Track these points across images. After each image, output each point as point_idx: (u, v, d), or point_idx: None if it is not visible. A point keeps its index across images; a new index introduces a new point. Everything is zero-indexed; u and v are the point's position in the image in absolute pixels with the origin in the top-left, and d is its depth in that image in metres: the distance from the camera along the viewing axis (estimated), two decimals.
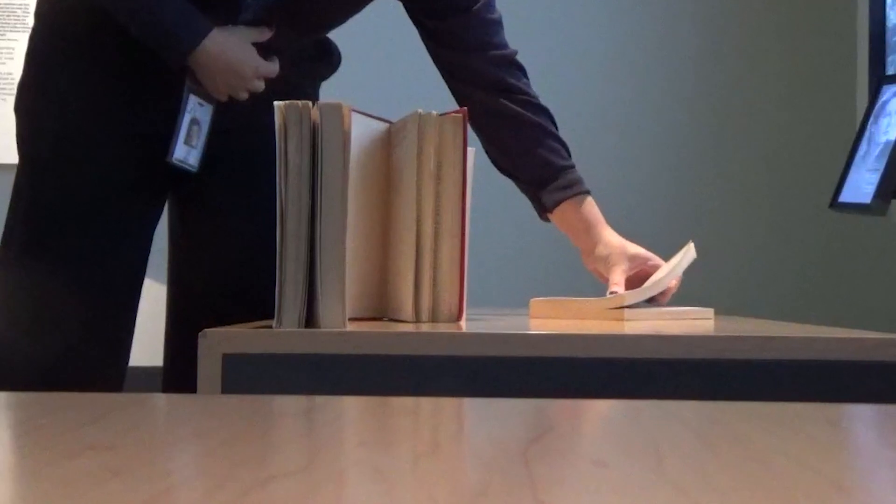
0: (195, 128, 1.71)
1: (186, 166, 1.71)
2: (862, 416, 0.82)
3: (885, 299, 3.35)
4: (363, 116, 1.49)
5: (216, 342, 1.23)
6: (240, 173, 1.80)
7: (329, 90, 2.95)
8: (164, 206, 1.83)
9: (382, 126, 1.54)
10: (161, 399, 0.80)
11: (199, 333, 1.23)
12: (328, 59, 1.92)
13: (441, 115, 1.47)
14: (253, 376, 1.22)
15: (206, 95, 1.71)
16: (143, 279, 1.79)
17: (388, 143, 1.54)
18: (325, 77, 1.94)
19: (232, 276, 1.79)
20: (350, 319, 1.33)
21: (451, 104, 1.53)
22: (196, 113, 1.71)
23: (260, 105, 1.76)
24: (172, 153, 1.70)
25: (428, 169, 1.45)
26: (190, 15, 1.65)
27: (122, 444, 0.60)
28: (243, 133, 1.77)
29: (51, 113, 1.74)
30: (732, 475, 0.53)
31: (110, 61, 1.73)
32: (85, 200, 1.72)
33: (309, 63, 1.87)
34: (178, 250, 1.84)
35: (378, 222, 1.52)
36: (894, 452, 0.63)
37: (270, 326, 1.30)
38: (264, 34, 1.71)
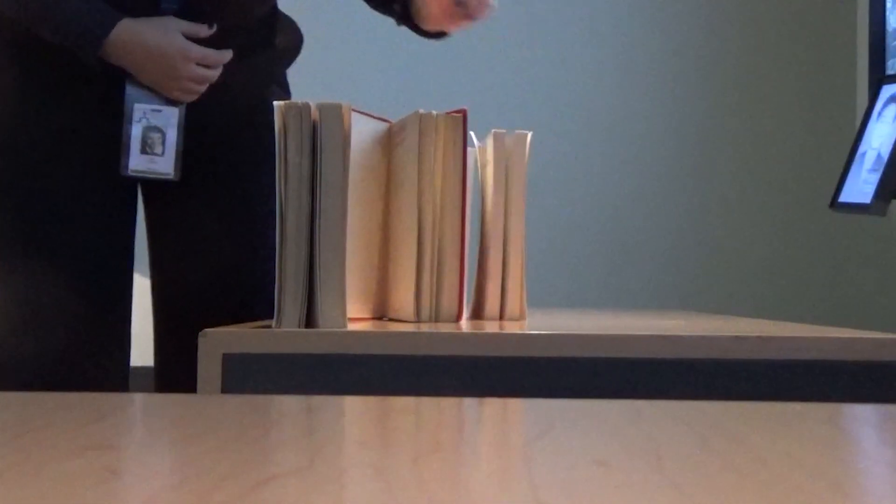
0: (155, 135, 1.68)
1: (154, 176, 1.69)
2: (862, 416, 0.82)
3: (885, 299, 3.35)
4: (363, 116, 1.49)
5: (216, 342, 1.23)
6: (211, 171, 1.77)
7: (329, 90, 2.95)
8: (135, 201, 1.81)
9: (382, 126, 1.54)
10: (161, 399, 0.80)
11: (199, 333, 1.23)
12: (287, 41, 1.87)
13: (441, 114, 1.47)
14: (253, 376, 1.22)
15: (161, 99, 1.68)
16: (130, 275, 1.78)
17: (388, 143, 1.54)
18: (290, 60, 1.90)
19: (210, 276, 1.78)
20: (350, 319, 1.33)
21: (451, 104, 1.53)
22: (152, 120, 1.68)
23: (226, 99, 1.72)
24: (126, 166, 1.68)
25: (428, 169, 1.45)
26: (94, 8, 1.63)
27: (122, 444, 0.60)
28: (211, 130, 1.75)
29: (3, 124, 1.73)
30: (732, 475, 0.53)
31: (53, 67, 1.70)
32: (46, 206, 1.71)
33: (265, 48, 1.83)
34: (156, 250, 1.82)
35: (378, 222, 1.52)
36: (894, 452, 0.63)
37: (270, 326, 1.30)
38: (201, 29, 1.67)
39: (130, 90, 1.68)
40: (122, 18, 1.63)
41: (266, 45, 1.83)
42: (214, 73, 1.68)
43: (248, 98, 1.79)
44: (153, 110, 1.68)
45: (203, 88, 1.69)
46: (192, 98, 1.69)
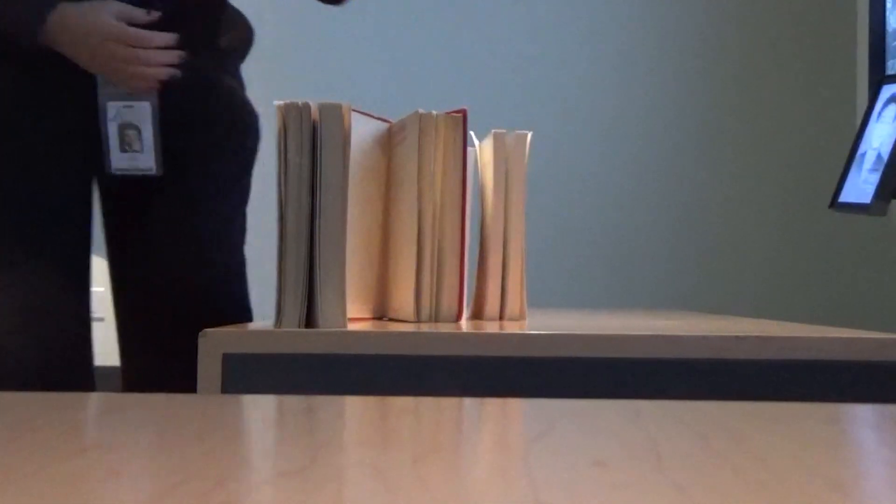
0: (132, 132, 1.66)
1: (137, 172, 1.68)
2: (862, 416, 0.82)
3: (885, 299, 3.35)
4: (363, 116, 1.49)
5: (216, 342, 1.23)
6: (168, 168, 1.73)
7: (330, 90, 2.95)
8: (92, 197, 1.80)
9: (382, 126, 1.54)
10: (161, 399, 0.80)
11: (199, 333, 1.23)
12: (236, 37, 1.84)
13: (441, 114, 1.47)
14: (253, 376, 1.22)
15: (131, 94, 1.66)
16: (87, 268, 1.77)
17: (388, 143, 1.54)
18: (241, 56, 1.87)
19: (173, 274, 1.76)
20: (350, 319, 1.33)
21: (451, 104, 1.53)
22: (126, 117, 1.66)
23: (178, 95, 1.70)
24: (109, 166, 1.67)
25: (428, 169, 1.45)
26: None
27: (122, 444, 0.60)
28: (164, 127, 1.71)
29: None
30: (732, 475, 0.53)
31: (32, 66, 1.69)
32: (28, 205, 1.70)
33: (216, 43, 1.80)
34: (115, 249, 1.81)
35: (378, 222, 1.52)
36: (893, 452, 0.63)
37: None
38: (136, 12, 1.63)
39: (101, 88, 1.66)
40: (58, 2, 1.61)
41: (212, 39, 1.81)
42: (156, 57, 1.63)
43: (200, 94, 1.77)
44: (125, 106, 1.66)
45: (153, 73, 1.63)
46: (145, 84, 1.65)
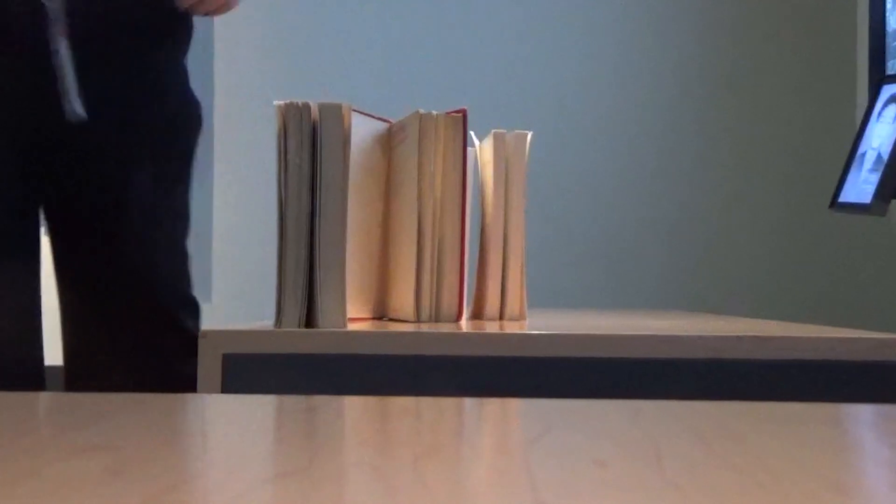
0: (63, 75, 1.60)
1: (74, 118, 1.61)
2: (862, 416, 0.82)
3: (885, 299, 3.35)
4: (363, 116, 1.49)
5: (216, 342, 1.23)
6: (107, 161, 1.70)
7: (330, 89, 2.95)
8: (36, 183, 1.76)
9: (382, 126, 1.54)
10: (161, 399, 0.80)
11: (200, 333, 1.23)
12: (177, 31, 1.80)
13: (441, 114, 1.47)
14: (253, 376, 1.23)
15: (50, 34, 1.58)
16: (37, 261, 1.75)
17: (388, 143, 1.54)
18: (182, 52, 1.82)
19: (116, 269, 1.73)
20: (350, 319, 1.33)
21: (451, 104, 1.53)
22: (61, 59, 1.59)
23: (107, 96, 1.66)
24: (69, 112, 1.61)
25: (428, 169, 1.45)
26: None
27: (122, 444, 0.60)
28: (102, 125, 1.67)
29: None
30: (732, 475, 0.53)
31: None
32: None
33: (157, 36, 1.76)
34: (58, 245, 1.77)
35: (378, 222, 1.52)
36: (893, 452, 0.63)
37: (269, 326, 1.30)
38: None
39: (52, 26, 1.60)
40: None
41: (177, 25, 1.77)
42: None
43: (139, 87, 1.74)
44: (57, 48, 1.59)
45: None
46: None
